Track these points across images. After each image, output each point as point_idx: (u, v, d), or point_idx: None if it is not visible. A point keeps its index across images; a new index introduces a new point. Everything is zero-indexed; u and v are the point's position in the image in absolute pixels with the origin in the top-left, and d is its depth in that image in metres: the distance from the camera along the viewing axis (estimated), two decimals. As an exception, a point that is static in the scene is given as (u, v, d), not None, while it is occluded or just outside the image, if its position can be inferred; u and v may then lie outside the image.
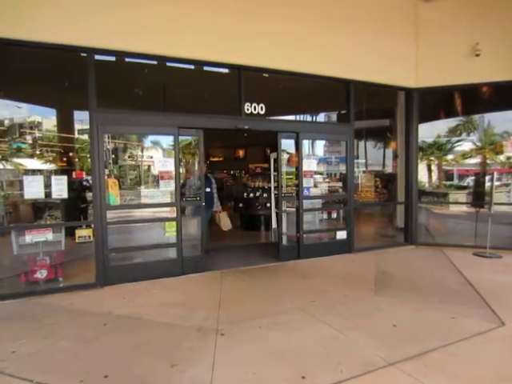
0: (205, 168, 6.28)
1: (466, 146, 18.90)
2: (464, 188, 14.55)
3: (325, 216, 6.65)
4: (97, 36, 4.59)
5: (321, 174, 7.89)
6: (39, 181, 4.58)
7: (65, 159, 9.64)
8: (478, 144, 18.32)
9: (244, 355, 2.96)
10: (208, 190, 6.35)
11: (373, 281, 4.88)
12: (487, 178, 6.98)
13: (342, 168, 6.73)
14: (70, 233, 4.91)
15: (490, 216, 6.25)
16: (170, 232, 5.24)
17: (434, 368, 2.72)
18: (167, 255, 5.34)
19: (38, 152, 10.66)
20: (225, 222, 6.81)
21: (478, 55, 6.31)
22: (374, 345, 3.08)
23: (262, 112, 5.78)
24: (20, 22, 4.23)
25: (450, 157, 18.61)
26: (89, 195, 6.32)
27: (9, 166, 10.18)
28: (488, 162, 17.26)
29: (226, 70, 5.79)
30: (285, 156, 6.63)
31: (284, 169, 6.50)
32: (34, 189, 4.54)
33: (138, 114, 5.20)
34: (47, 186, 4.65)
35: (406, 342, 3.12)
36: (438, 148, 17.59)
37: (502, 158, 17.11)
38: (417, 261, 5.98)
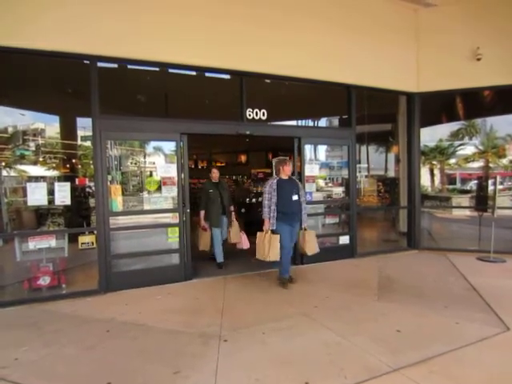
0: (288, 167, 4.98)
1: (468, 149, 18.84)
2: (467, 192, 14.48)
3: (327, 221, 6.64)
4: (99, 43, 4.63)
5: (323, 178, 7.88)
6: (42, 187, 4.60)
7: (68, 166, 9.67)
8: (481, 148, 18.27)
9: (247, 361, 2.95)
10: (295, 197, 4.88)
11: (376, 286, 4.86)
12: (490, 181, 6.96)
13: (345, 173, 6.72)
14: (72, 239, 4.91)
15: (494, 220, 6.23)
16: (172, 238, 5.25)
17: (439, 374, 2.70)
18: (170, 261, 5.34)
19: (41, 159, 10.71)
20: (311, 244, 5.11)
21: (479, 59, 6.32)
22: (378, 350, 3.07)
23: (264, 117, 5.80)
24: (22, 30, 4.28)
25: (452, 161, 18.55)
26: (91, 201, 6.33)
27: (12, 173, 10.24)
28: (491, 165, 17.20)
29: (227, 76, 5.81)
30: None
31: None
32: (37, 195, 4.55)
33: (141, 120, 5.22)
34: (50, 192, 4.67)
35: (410, 347, 3.10)
36: (440, 152, 17.53)
37: (504, 161, 17.06)
38: (420, 266, 5.95)
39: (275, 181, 4.89)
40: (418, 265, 6.02)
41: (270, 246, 4.73)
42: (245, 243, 6.17)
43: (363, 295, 4.49)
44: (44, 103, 8.33)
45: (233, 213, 6.32)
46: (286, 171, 4.98)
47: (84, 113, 5.31)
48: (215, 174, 6.16)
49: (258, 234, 4.95)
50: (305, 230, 5.08)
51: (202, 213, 6.01)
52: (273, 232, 4.80)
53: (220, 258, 5.98)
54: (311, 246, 5.09)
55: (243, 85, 5.62)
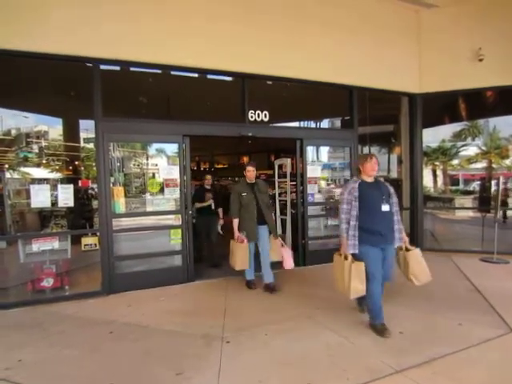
0: (370, 164, 3.51)
1: (471, 150, 18.76)
2: (470, 193, 14.45)
3: (329, 222, 6.63)
4: (101, 46, 4.66)
5: (325, 179, 7.89)
6: (46, 189, 4.63)
7: (71, 168, 9.73)
8: (484, 148, 18.22)
9: (250, 363, 2.95)
10: (386, 208, 3.44)
11: (379, 287, 4.85)
12: (493, 182, 6.94)
13: (347, 174, 6.71)
14: (75, 241, 4.93)
15: (497, 221, 6.21)
16: (175, 239, 5.26)
17: (442, 375, 2.69)
18: (173, 262, 5.35)
19: (44, 161, 10.77)
20: (417, 269, 3.66)
21: (481, 60, 6.32)
22: (381, 352, 3.06)
23: (266, 119, 5.81)
24: (26, 33, 4.30)
25: (455, 161, 18.50)
26: (94, 203, 6.36)
27: (16, 175, 10.29)
28: (494, 166, 17.15)
29: (229, 78, 5.83)
30: (288, 162, 6.64)
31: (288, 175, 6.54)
32: (40, 197, 4.58)
33: (143, 122, 5.24)
34: (53, 194, 4.69)
35: (413, 349, 3.09)
36: (443, 153, 17.50)
37: (508, 162, 17.00)
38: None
39: (356, 185, 3.50)
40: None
41: (350, 278, 3.40)
42: (287, 262, 4.89)
43: (366, 296, 4.47)
44: (47, 106, 8.38)
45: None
46: (368, 171, 3.53)
47: (87, 115, 5.34)
48: (250, 172, 4.87)
49: (335, 257, 3.67)
50: (406, 250, 3.66)
51: (236, 221, 4.81)
52: (355, 258, 3.46)
53: (251, 275, 5.02)
54: (418, 272, 3.65)
55: (245, 86, 5.63)
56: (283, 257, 4.86)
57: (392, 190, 3.62)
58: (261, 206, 4.79)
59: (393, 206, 3.53)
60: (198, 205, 6.13)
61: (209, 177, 6.55)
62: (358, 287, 3.40)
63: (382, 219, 3.44)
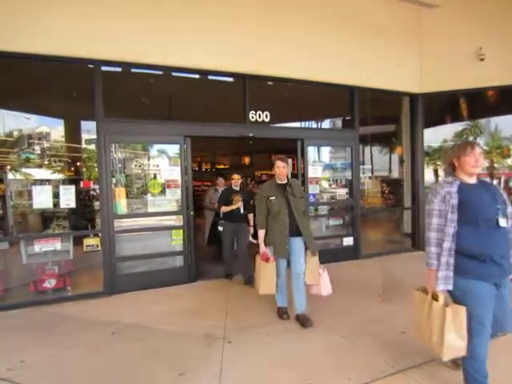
0: (470, 158, 2.30)
1: (472, 150, 18.74)
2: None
3: (331, 222, 6.64)
4: (103, 48, 4.67)
5: (326, 180, 7.89)
6: (47, 190, 4.64)
7: (72, 169, 9.75)
8: (485, 148, 18.20)
9: (251, 363, 2.96)
10: (503, 222, 2.24)
11: (381, 287, 4.85)
12: (495, 182, 6.93)
13: (348, 174, 6.72)
14: (77, 242, 4.94)
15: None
16: (176, 240, 5.27)
17: (444, 376, 2.69)
18: (174, 263, 5.36)
19: (46, 162, 10.80)
20: None
21: (482, 60, 6.31)
22: (383, 352, 3.06)
23: (267, 119, 5.82)
24: (27, 35, 4.32)
25: (457, 161, 18.48)
26: (96, 204, 6.36)
27: (18, 176, 10.32)
28: (495, 165, 17.12)
29: (230, 79, 5.83)
30: (289, 163, 6.64)
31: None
32: (42, 198, 4.59)
33: (145, 123, 5.25)
34: (55, 195, 4.71)
35: (415, 349, 3.08)
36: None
37: (509, 161, 16.98)
38: (425, 266, 5.91)
39: (454, 188, 2.31)
40: (422, 266, 5.96)
41: (443, 330, 2.28)
42: (325, 287, 3.83)
43: (368, 297, 4.48)
44: (49, 107, 8.40)
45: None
46: (469, 167, 2.32)
47: (88, 116, 5.35)
48: (280, 169, 3.89)
49: (417, 294, 2.71)
50: None
51: (262, 233, 3.81)
52: (454, 300, 2.37)
53: (282, 301, 3.95)
54: None
55: (246, 87, 5.64)
56: (321, 279, 3.84)
57: (505, 195, 2.35)
58: (294, 213, 3.73)
59: (508, 218, 2.30)
60: (223, 208, 5.35)
61: (237, 176, 5.52)
62: (455, 344, 2.27)
63: (497, 239, 2.22)
